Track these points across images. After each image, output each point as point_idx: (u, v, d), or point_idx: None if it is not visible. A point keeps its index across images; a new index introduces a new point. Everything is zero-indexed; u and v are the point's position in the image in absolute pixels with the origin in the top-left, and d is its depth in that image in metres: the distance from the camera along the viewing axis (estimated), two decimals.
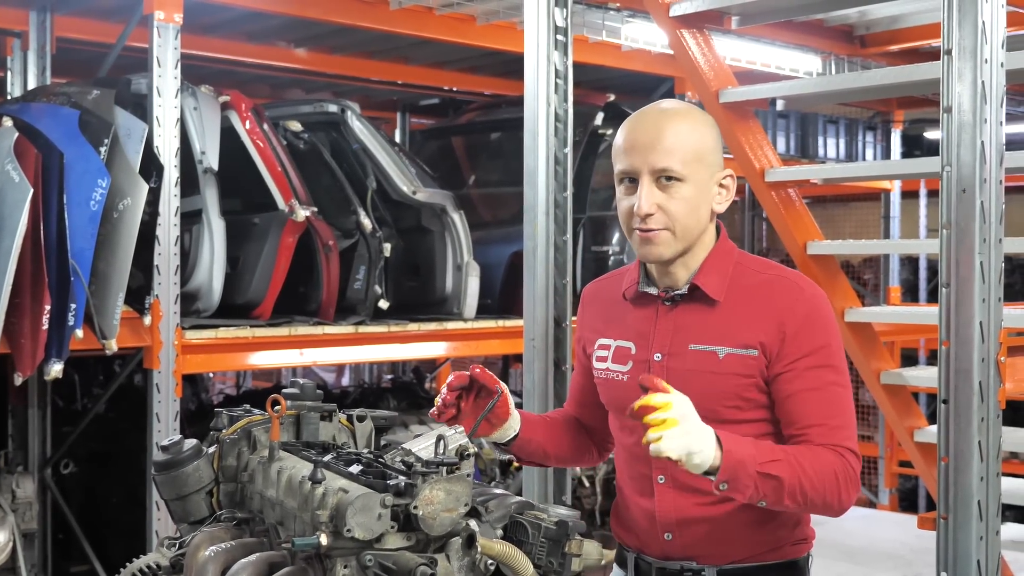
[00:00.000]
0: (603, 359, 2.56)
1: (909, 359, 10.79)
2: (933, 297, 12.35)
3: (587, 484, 7.13)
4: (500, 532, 2.16)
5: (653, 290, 2.49)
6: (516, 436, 2.59)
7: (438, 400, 2.50)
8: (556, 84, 4.09)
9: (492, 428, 2.53)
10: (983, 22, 2.94)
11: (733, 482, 2.21)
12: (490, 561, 2.05)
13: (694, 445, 2.17)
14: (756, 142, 4.50)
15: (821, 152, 9.31)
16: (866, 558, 7.26)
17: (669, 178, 2.36)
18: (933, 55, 3.27)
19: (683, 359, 2.42)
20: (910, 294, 12.03)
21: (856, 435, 2.37)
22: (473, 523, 2.05)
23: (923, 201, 11.56)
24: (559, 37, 4.08)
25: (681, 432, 2.16)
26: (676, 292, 2.45)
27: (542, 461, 2.73)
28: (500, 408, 2.50)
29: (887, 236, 11.03)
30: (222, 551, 2.18)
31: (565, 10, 4.12)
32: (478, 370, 2.48)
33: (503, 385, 2.51)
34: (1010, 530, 4.32)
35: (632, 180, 2.40)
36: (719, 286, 2.42)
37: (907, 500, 11.31)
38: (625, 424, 2.52)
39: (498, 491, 2.29)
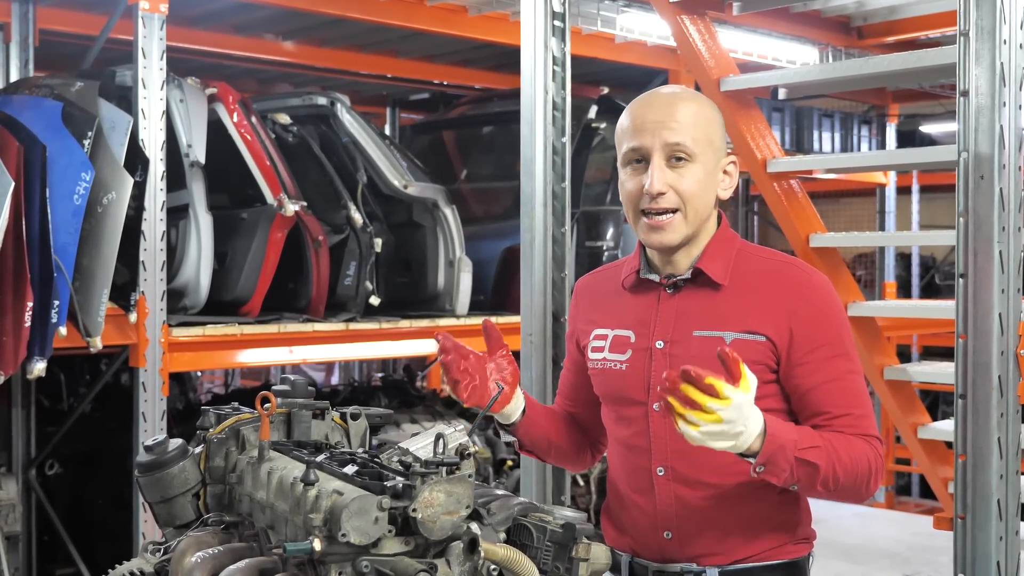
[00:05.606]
0: (599, 349, 2.50)
1: (902, 355, 10.73)
2: (926, 293, 12.37)
3: (582, 483, 7.03)
4: (503, 536, 2.08)
5: (655, 276, 2.44)
6: (523, 414, 2.52)
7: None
8: (554, 71, 4.00)
9: (504, 399, 2.46)
10: (1001, 1, 2.85)
11: (770, 466, 2.17)
12: (493, 567, 1.97)
13: (721, 444, 2.10)
14: (758, 132, 4.43)
15: (816, 146, 9.32)
16: (864, 556, 7.18)
17: (679, 157, 2.33)
18: (931, 46, 3.19)
19: (686, 346, 2.36)
20: (902, 290, 12.07)
21: (875, 420, 2.37)
22: (475, 526, 1.98)
23: (916, 197, 11.53)
24: (556, 23, 3.98)
25: (716, 432, 2.08)
26: (679, 277, 2.40)
27: (544, 451, 2.65)
28: (511, 363, 2.48)
29: (883, 231, 10.99)
30: (209, 557, 2.11)
31: None
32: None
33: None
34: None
35: (639, 161, 2.36)
36: (723, 271, 2.39)
37: (901, 493, 11.29)
38: (622, 415, 2.46)
39: (500, 492, 2.20)
